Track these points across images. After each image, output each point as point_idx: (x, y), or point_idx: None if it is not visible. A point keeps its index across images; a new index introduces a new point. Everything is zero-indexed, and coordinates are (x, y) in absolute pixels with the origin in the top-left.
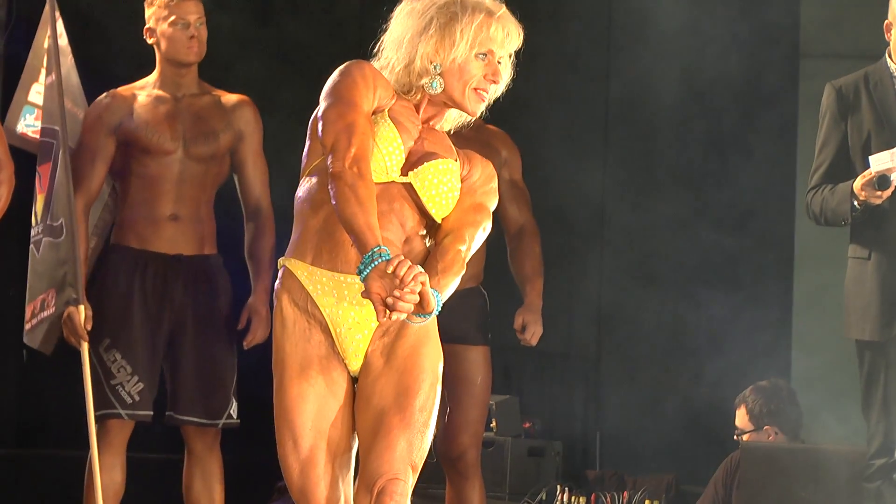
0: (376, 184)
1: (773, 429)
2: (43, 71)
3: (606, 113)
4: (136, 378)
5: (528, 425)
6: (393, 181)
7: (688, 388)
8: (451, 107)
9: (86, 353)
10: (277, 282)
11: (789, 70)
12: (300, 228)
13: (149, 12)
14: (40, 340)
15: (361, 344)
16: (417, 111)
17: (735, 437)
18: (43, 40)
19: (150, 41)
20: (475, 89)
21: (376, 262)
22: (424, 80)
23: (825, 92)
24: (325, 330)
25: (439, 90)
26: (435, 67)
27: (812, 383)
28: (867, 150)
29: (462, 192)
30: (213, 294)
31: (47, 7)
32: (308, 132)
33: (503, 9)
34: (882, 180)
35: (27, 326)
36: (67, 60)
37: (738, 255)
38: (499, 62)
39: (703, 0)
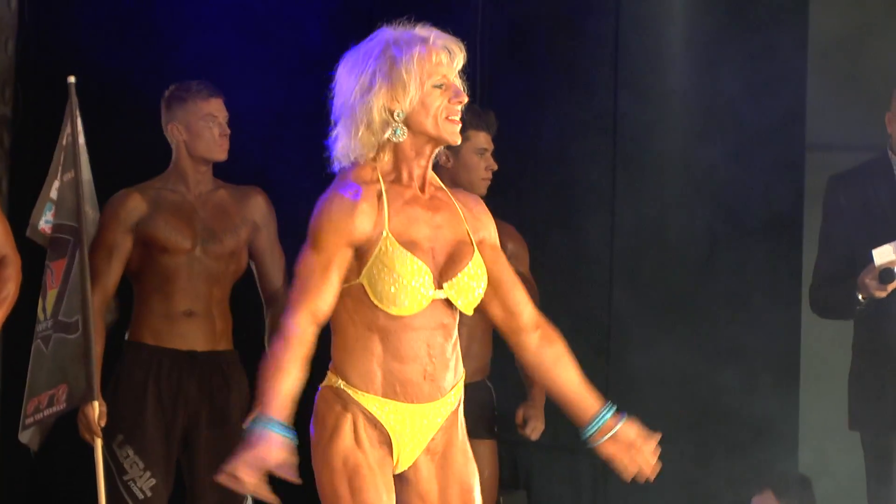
0: (414, 315)
1: None
2: (60, 168)
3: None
4: (148, 474)
5: None
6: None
7: (693, 476)
8: (431, 144)
9: (99, 450)
10: (331, 397)
11: (795, 162)
12: (359, 352)
13: (171, 109)
14: (31, 436)
15: (417, 451)
16: (411, 180)
17: None
18: (63, 137)
19: (175, 138)
20: (446, 119)
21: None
22: (388, 133)
23: (828, 185)
24: (386, 440)
25: (403, 137)
26: (397, 115)
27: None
28: (869, 244)
29: (493, 253)
30: (227, 390)
31: (69, 103)
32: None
33: (433, 32)
34: (886, 274)
35: (27, 422)
36: (83, 159)
37: (744, 352)
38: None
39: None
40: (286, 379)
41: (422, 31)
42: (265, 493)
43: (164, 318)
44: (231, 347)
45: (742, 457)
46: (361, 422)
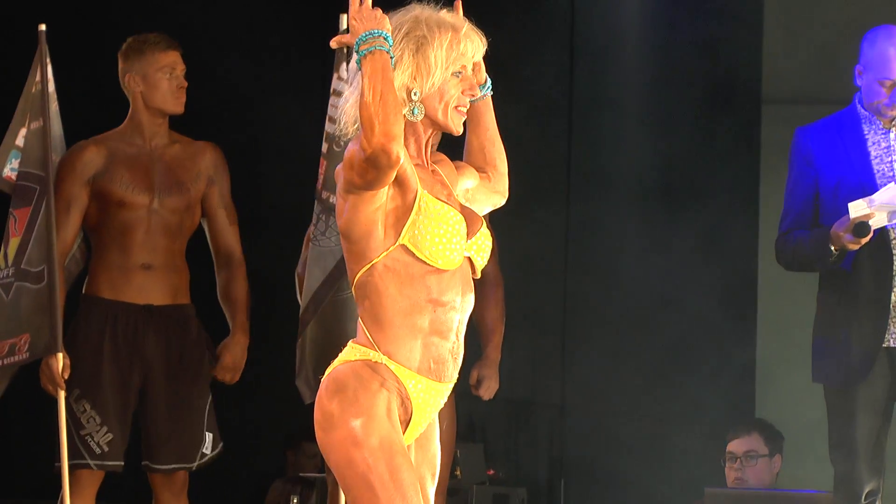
0: (448, 278)
1: (780, 459)
2: (29, 115)
3: (568, 159)
4: (105, 429)
5: (492, 472)
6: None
7: (653, 432)
8: (434, 128)
9: (62, 402)
10: (367, 373)
11: (751, 115)
12: (408, 329)
13: (129, 61)
14: None
15: (418, 433)
16: (418, 153)
17: (735, 463)
18: (31, 85)
19: (132, 90)
20: (456, 108)
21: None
22: (405, 110)
23: (794, 137)
24: (407, 421)
25: (420, 116)
26: (414, 95)
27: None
28: (836, 196)
29: (478, 184)
30: (184, 344)
31: (39, 51)
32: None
33: (465, 22)
34: (860, 227)
35: None
36: (53, 107)
37: (701, 300)
38: (470, 73)
39: (665, 47)
40: None
41: (451, 17)
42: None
43: (121, 272)
44: (188, 301)
45: (699, 412)
46: (396, 400)
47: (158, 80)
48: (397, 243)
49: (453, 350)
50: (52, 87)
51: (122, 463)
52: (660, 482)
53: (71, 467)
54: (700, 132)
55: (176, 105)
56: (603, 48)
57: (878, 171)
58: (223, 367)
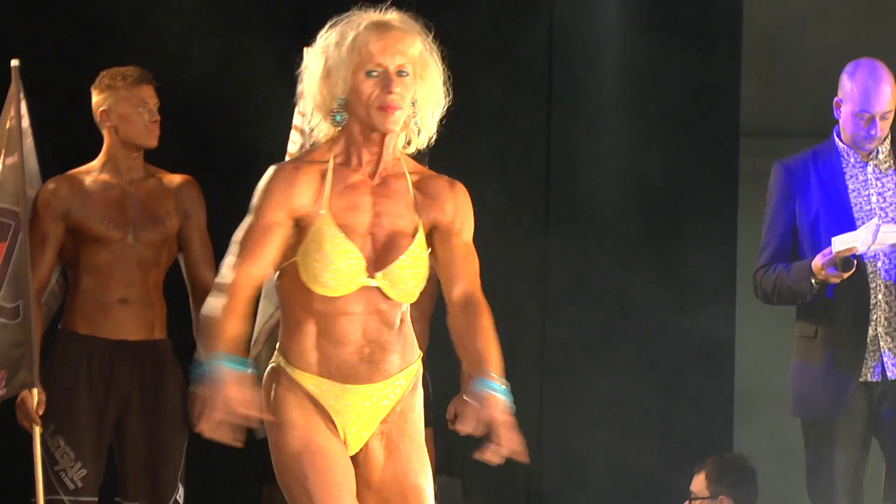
0: (342, 297)
1: (728, 500)
2: (4, 151)
3: (547, 183)
4: (79, 464)
5: None
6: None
7: (631, 464)
8: (377, 132)
9: (37, 438)
10: (272, 375)
11: (729, 147)
12: (296, 331)
13: (103, 95)
14: None
15: (365, 433)
16: (360, 166)
17: (687, 502)
18: (6, 120)
19: (106, 124)
20: (378, 108)
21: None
22: (329, 118)
23: (773, 170)
24: (330, 420)
25: (343, 122)
26: (340, 102)
27: (755, 463)
28: (815, 229)
29: (444, 234)
30: (160, 379)
31: (13, 86)
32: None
33: (383, 18)
34: (846, 262)
35: None
36: (28, 142)
37: (680, 337)
38: (400, 72)
39: (642, 73)
40: (230, 325)
41: (372, 14)
42: (236, 439)
43: (97, 306)
44: (164, 336)
45: (677, 442)
46: (306, 401)
47: (131, 115)
48: (294, 259)
49: (364, 354)
50: (26, 122)
51: (97, 499)
52: None
53: (46, 503)
54: (677, 164)
55: (149, 139)
56: (579, 75)
57: (856, 205)
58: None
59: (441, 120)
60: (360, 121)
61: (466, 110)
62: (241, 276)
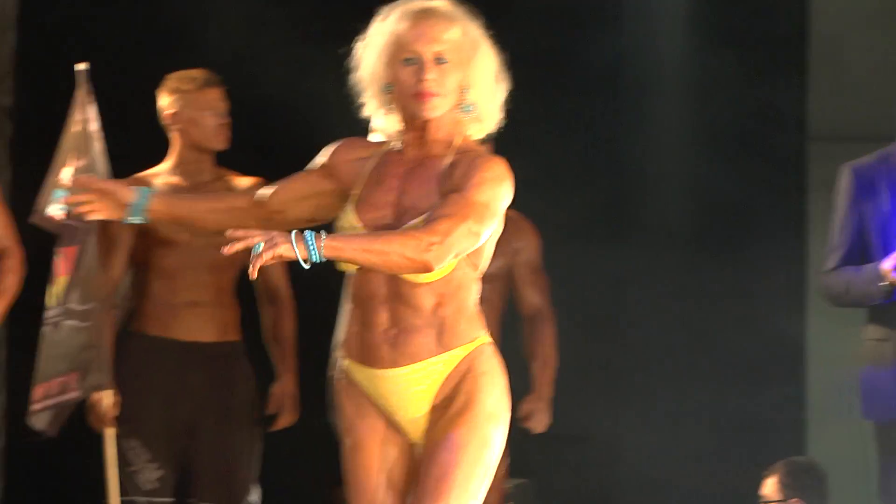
0: (368, 279)
1: (800, 503)
2: (74, 154)
3: (619, 192)
4: (154, 465)
5: None
6: None
7: (703, 469)
8: (418, 118)
9: (111, 439)
10: (335, 366)
11: (798, 153)
12: (344, 318)
13: (171, 98)
14: (48, 422)
15: (417, 418)
16: (408, 148)
17: None
18: (74, 124)
19: (174, 127)
20: (413, 95)
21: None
22: (380, 105)
23: (842, 174)
24: (375, 406)
25: (393, 110)
26: (387, 89)
27: (827, 467)
28: (884, 232)
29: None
30: (232, 380)
31: (80, 91)
32: None
33: (424, 5)
34: None
35: (36, 407)
36: (97, 146)
37: (752, 343)
38: (438, 59)
39: (709, 80)
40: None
41: (416, 2)
42: None
43: (166, 309)
44: (237, 338)
45: (751, 445)
46: (353, 389)
47: (200, 118)
48: None
49: (389, 337)
50: (94, 125)
51: (172, 499)
52: None
53: None
54: (746, 171)
55: (218, 141)
56: (644, 84)
57: None
58: (277, 418)
59: (507, 125)
60: (403, 108)
61: (534, 120)
62: (252, 188)
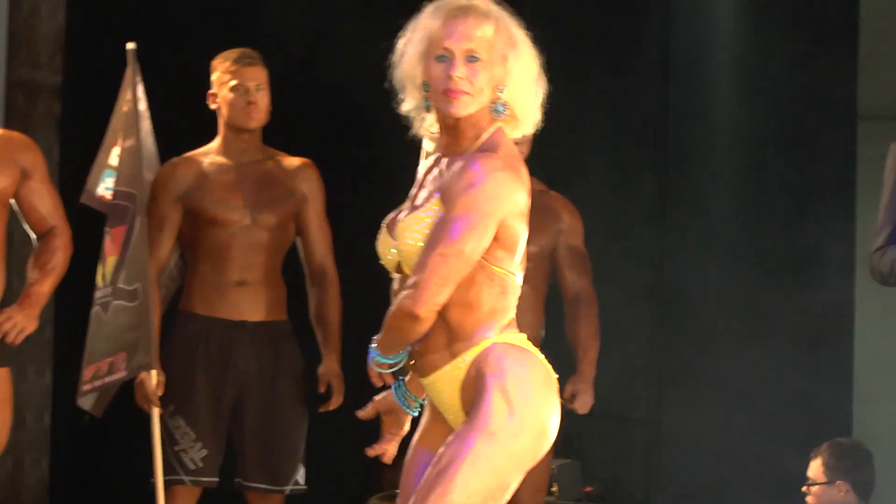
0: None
1: (847, 485)
2: (122, 134)
3: (664, 169)
4: (200, 444)
5: (589, 489)
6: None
7: (748, 448)
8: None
9: (157, 419)
10: None
11: (847, 132)
12: None
13: (212, 78)
14: (94, 403)
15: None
16: (443, 146)
17: (805, 487)
18: (123, 104)
19: (212, 106)
20: (443, 92)
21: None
22: (420, 102)
23: (891, 151)
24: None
25: (431, 107)
26: (424, 87)
27: (875, 447)
28: None
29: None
30: (278, 360)
31: (129, 71)
32: None
33: (458, 2)
34: None
35: (85, 388)
36: (146, 125)
37: (799, 321)
38: (470, 56)
39: (758, 58)
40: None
41: (448, 3)
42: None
43: (214, 288)
44: (284, 318)
45: (799, 424)
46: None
47: (229, 96)
48: None
49: (416, 347)
50: (143, 105)
51: (217, 479)
52: (759, 499)
53: (166, 483)
54: (795, 150)
55: (246, 120)
56: (694, 64)
57: None
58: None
59: (552, 112)
60: (436, 106)
61: (582, 105)
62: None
